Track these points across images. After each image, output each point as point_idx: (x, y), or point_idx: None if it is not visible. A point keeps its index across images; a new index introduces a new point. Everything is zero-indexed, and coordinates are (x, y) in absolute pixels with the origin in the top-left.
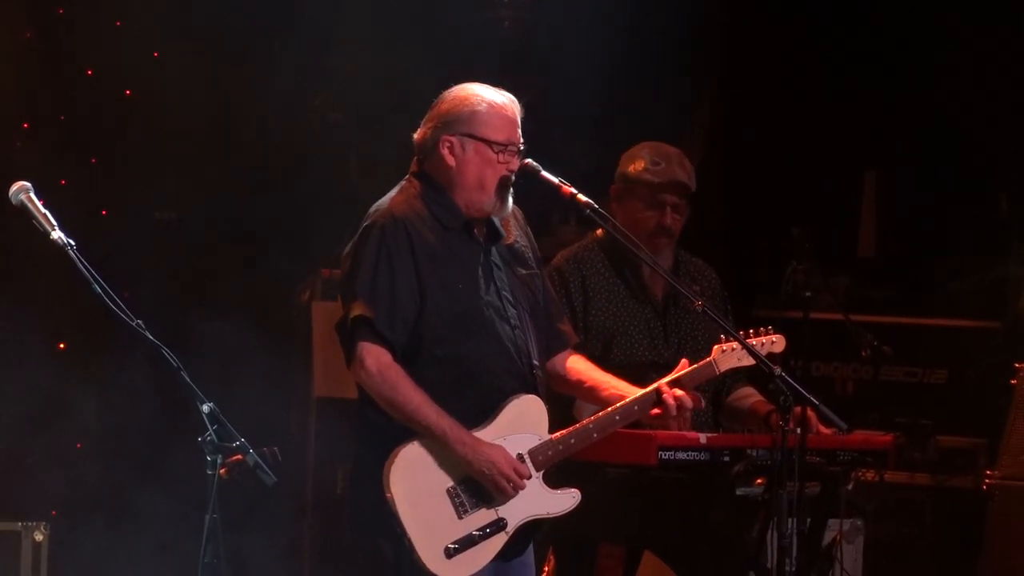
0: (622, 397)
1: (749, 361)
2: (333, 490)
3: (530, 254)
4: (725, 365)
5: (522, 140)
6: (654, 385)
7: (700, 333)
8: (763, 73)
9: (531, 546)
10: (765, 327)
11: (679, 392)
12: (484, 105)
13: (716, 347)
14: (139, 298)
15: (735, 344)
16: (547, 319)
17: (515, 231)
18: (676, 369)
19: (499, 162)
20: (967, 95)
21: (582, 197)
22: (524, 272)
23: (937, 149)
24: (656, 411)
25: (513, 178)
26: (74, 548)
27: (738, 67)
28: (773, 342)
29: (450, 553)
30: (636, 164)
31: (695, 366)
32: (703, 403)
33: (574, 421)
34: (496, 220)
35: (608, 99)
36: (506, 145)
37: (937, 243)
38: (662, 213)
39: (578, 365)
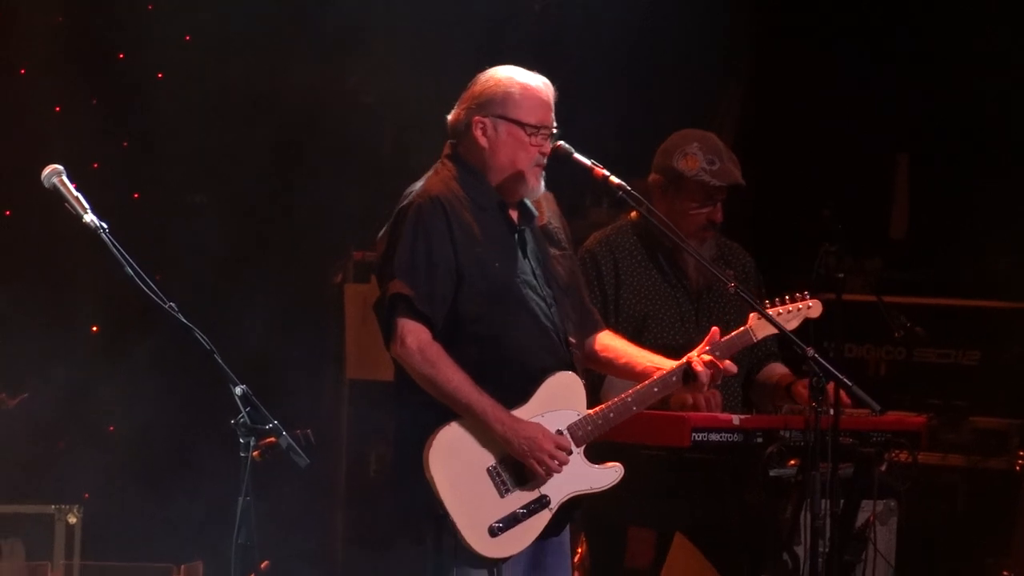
0: (657, 368)
1: (787, 326)
2: (366, 472)
3: (562, 235)
4: (762, 332)
5: (555, 123)
6: (692, 353)
7: (732, 318)
8: (795, 54)
9: (568, 527)
10: (801, 292)
11: (708, 357)
12: (517, 87)
13: (752, 314)
14: (171, 281)
15: (770, 310)
16: (580, 300)
17: (548, 213)
18: (710, 337)
19: (532, 144)
20: (1000, 77)
21: (615, 179)
22: (557, 253)
23: (969, 131)
24: (699, 372)
25: (545, 160)
26: (107, 530)
27: (770, 48)
28: (810, 307)
29: (494, 532)
30: (689, 162)
31: (731, 334)
32: (736, 369)
33: (600, 403)
34: (529, 202)
35: (638, 81)
36: (539, 127)
37: (968, 225)
38: (714, 210)
39: (612, 343)
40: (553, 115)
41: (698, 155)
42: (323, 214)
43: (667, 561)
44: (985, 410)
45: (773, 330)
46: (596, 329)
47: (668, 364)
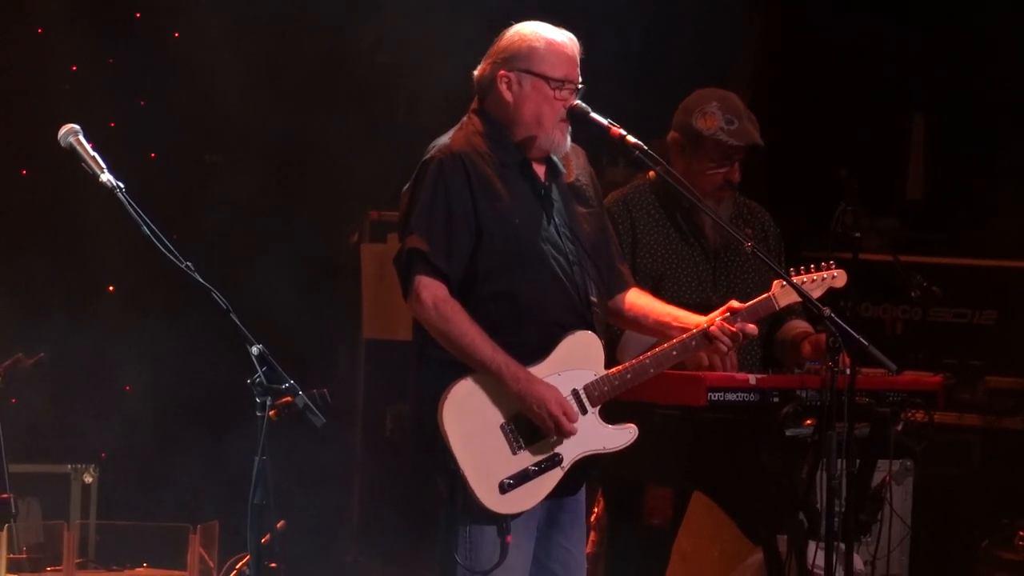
0: (684, 326)
1: (811, 294)
2: (382, 431)
3: (591, 193)
4: (785, 300)
5: (580, 79)
6: (712, 315)
7: (751, 277)
8: (811, 14)
9: (584, 486)
10: (826, 262)
11: (726, 324)
12: (543, 42)
13: (776, 281)
14: (188, 240)
15: (796, 279)
16: (609, 258)
17: (576, 170)
18: (730, 304)
19: (556, 98)
20: (1015, 39)
21: (631, 139)
22: (584, 210)
23: (984, 93)
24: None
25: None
26: (123, 490)
27: (786, 8)
28: (835, 276)
29: (505, 488)
30: (708, 121)
31: (754, 301)
32: (756, 331)
33: (617, 362)
34: (556, 158)
35: (655, 41)
36: (563, 81)
37: (984, 185)
38: (732, 170)
39: (639, 300)
40: (579, 70)
41: (717, 114)
42: (339, 174)
43: (684, 520)
44: (1001, 370)
45: (796, 298)
46: (625, 287)
47: (694, 319)
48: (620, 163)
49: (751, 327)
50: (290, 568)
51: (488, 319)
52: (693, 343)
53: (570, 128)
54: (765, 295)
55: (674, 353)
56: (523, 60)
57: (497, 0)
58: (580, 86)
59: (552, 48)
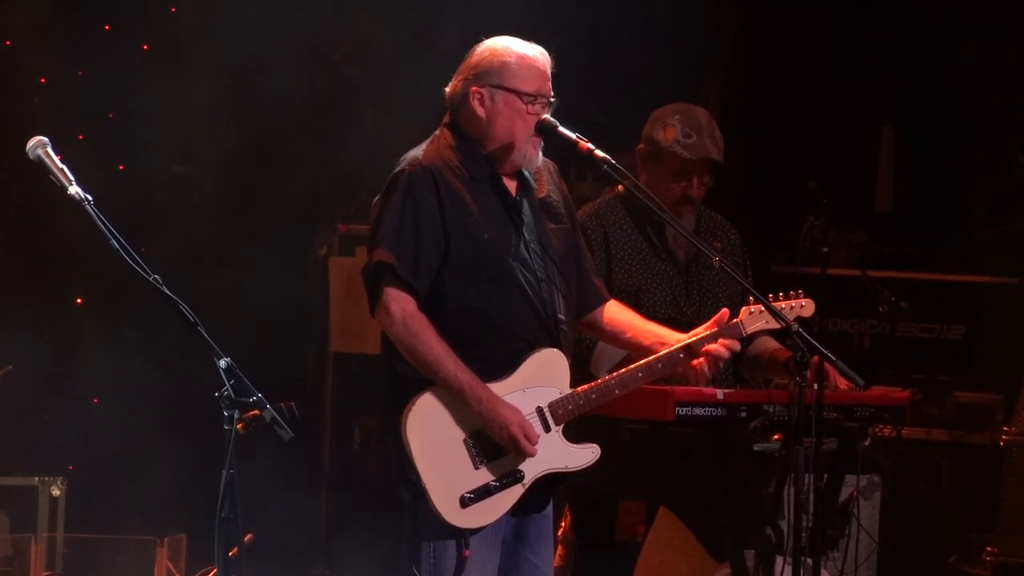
0: (666, 345)
1: (776, 324)
2: (350, 444)
3: (563, 209)
4: (752, 326)
5: (552, 94)
6: (681, 343)
7: (721, 290)
8: (780, 27)
9: (551, 501)
10: (795, 290)
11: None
12: (514, 56)
13: (744, 308)
14: (156, 253)
15: (762, 306)
16: (581, 274)
17: (548, 185)
18: (704, 327)
19: (529, 113)
20: (984, 50)
21: (600, 153)
22: (555, 226)
23: (953, 104)
24: (689, 364)
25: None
26: (91, 503)
27: (756, 21)
28: (803, 306)
29: (465, 503)
30: (667, 133)
31: (722, 327)
32: (739, 347)
33: (590, 377)
34: (527, 173)
35: (625, 55)
36: (535, 96)
37: (953, 198)
38: (688, 185)
39: (617, 316)
40: (550, 85)
41: (676, 127)
42: (307, 187)
43: (650, 535)
44: (969, 385)
45: (763, 324)
46: (600, 302)
47: (673, 336)
48: (588, 177)
49: (735, 343)
50: None
51: (455, 333)
52: (659, 365)
53: (542, 143)
54: (733, 321)
55: (640, 375)
56: (495, 75)
57: (468, 13)
58: (552, 100)
59: (524, 63)
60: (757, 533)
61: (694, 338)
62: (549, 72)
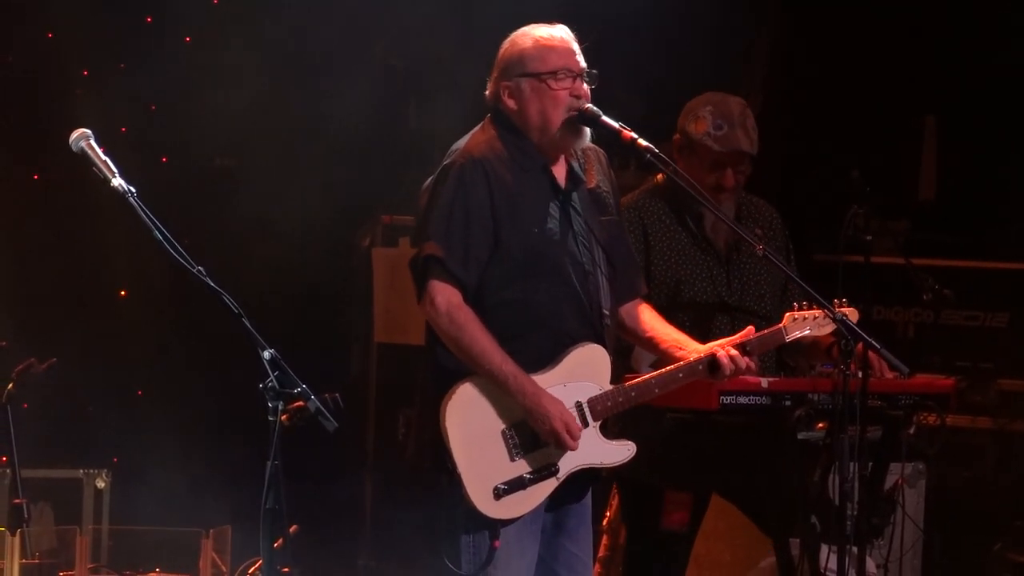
0: (681, 349)
1: (819, 331)
2: (394, 435)
3: (611, 200)
4: (795, 332)
5: (583, 65)
6: (721, 343)
7: (763, 278)
8: (824, 16)
9: (590, 491)
10: (840, 299)
11: (735, 353)
12: (530, 41)
13: (788, 314)
14: (200, 245)
15: (806, 313)
16: (623, 267)
17: (598, 175)
18: (743, 334)
19: (556, 90)
20: None
21: (643, 142)
22: (604, 218)
23: (997, 94)
24: (723, 364)
25: (583, 103)
26: (135, 495)
27: (799, 10)
28: (846, 315)
29: (499, 494)
30: (698, 125)
31: (764, 332)
32: (756, 368)
33: (632, 371)
34: (577, 165)
35: (667, 45)
36: (556, 72)
37: (996, 187)
38: (722, 175)
39: (643, 315)
40: (578, 57)
41: (707, 119)
42: (351, 178)
43: (703, 524)
44: (1013, 372)
45: (806, 331)
46: (631, 296)
47: (692, 345)
48: (631, 166)
49: (753, 364)
50: (303, 572)
51: (500, 325)
52: (700, 367)
53: (585, 126)
54: (776, 326)
55: (680, 375)
56: (517, 66)
57: (509, 5)
58: (587, 72)
59: (540, 45)
60: (802, 522)
61: (733, 341)
62: (573, 45)
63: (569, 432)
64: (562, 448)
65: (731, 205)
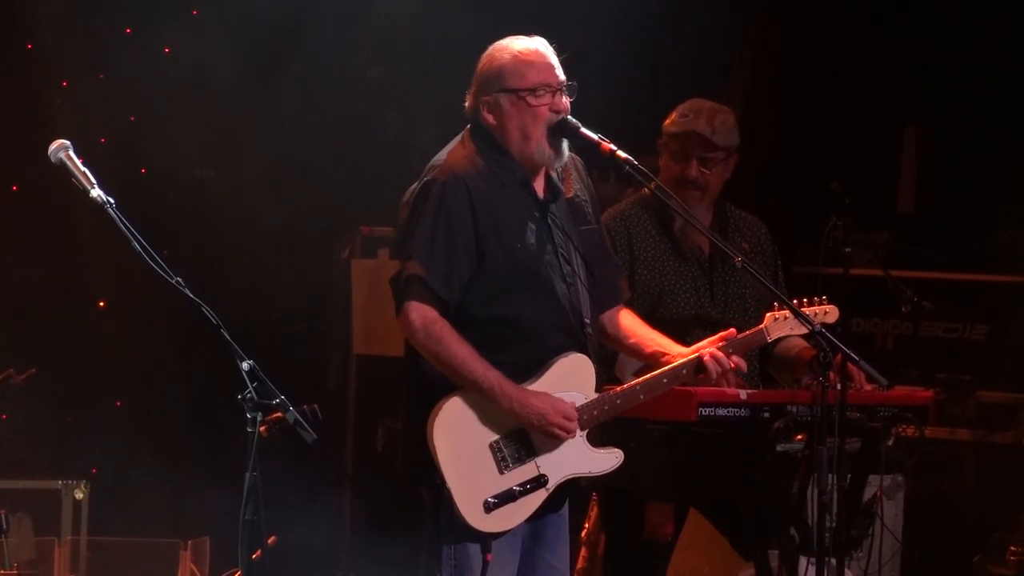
0: (665, 354)
1: (801, 330)
2: (374, 446)
3: (589, 208)
4: (776, 333)
5: (562, 78)
6: (702, 345)
7: (748, 291)
8: (804, 28)
9: (567, 501)
10: (819, 296)
11: (720, 354)
12: (508, 57)
13: (768, 314)
14: (178, 256)
15: (788, 313)
16: (603, 274)
17: (575, 184)
18: (724, 334)
19: (535, 106)
20: (1007, 50)
21: (621, 154)
22: (583, 228)
23: (977, 105)
24: (708, 367)
25: (561, 117)
26: (114, 506)
27: (779, 22)
28: (826, 312)
29: (489, 507)
30: (671, 116)
31: (747, 333)
32: (746, 366)
33: (616, 380)
34: (556, 177)
35: (648, 56)
36: (535, 88)
37: (976, 199)
38: (687, 165)
39: (625, 321)
40: (557, 71)
41: (678, 110)
42: (330, 189)
43: (680, 537)
44: (992, 384)
45: (787, 331)
46: (615, 303)
47: (676, 348)
48: (611, 178)
49: (741, 361)
50: None
51: (486, 339)
52: (683, 371)
53: (564, 138)
54: (757, 328)
55: (664, 381)
56: (495, 81)
57: (488, 15)
58: (567, 84)
59: (519, 60)
60: (781, 533)
61: (719, 341)
62: (552, 59)
63: (566, 416)
64: (564, 437)
65: (708, 210)
